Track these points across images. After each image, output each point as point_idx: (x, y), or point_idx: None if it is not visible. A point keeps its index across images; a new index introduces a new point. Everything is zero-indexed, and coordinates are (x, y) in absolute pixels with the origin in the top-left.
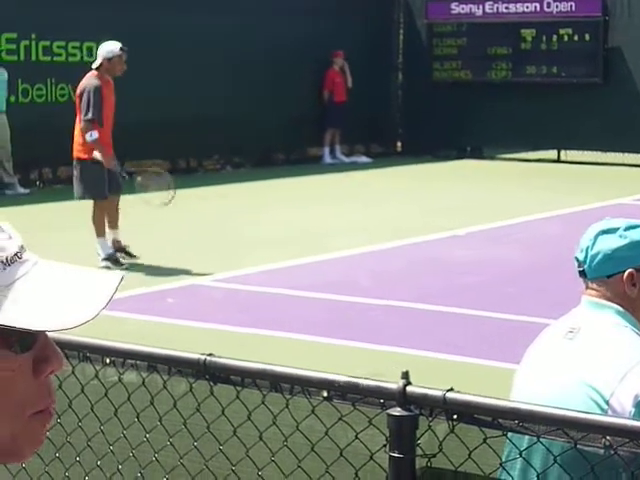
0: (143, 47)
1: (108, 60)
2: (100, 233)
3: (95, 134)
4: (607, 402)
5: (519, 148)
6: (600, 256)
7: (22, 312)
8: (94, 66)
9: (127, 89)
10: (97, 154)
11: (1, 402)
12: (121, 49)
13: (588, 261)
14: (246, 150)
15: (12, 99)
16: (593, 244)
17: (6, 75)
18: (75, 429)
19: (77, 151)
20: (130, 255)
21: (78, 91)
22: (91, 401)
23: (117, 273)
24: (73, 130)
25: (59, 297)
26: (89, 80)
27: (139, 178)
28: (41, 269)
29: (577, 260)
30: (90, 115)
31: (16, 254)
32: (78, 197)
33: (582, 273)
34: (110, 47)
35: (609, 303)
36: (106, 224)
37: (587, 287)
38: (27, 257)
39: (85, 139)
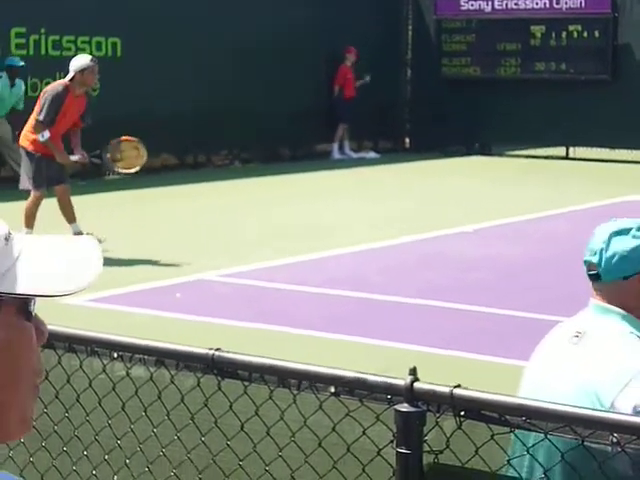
0: (151, 41)
1: (81, 73)
2: (28, 224)
3: (47, 134)
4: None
5: (528, 145)
6: (617, 257)
7: (37, 281)
8: (67, 78)
9: (136, 84)
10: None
11: (25, 371)
12: (92, 60)
13: (604, 263)
14: (255, 146)
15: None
16: (607, 246)
17: (23, 88)
18: (83, 423)
19: (22, 140)
20: None
21: (43, 90)
22: (99, 395)
23: (89, 237)
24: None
25: (59, 265)
26: (55, 85)
27: (109, 155)
28: (33, 242)
29: (588, 263)
30: (41, 117)
31: (9, 231)
32: (21, 188)
33: (594, 276)
34: (82, 60)
35: (617, 308)
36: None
37: (596, 290)
38: (17, 235)
39: (35, 135)
